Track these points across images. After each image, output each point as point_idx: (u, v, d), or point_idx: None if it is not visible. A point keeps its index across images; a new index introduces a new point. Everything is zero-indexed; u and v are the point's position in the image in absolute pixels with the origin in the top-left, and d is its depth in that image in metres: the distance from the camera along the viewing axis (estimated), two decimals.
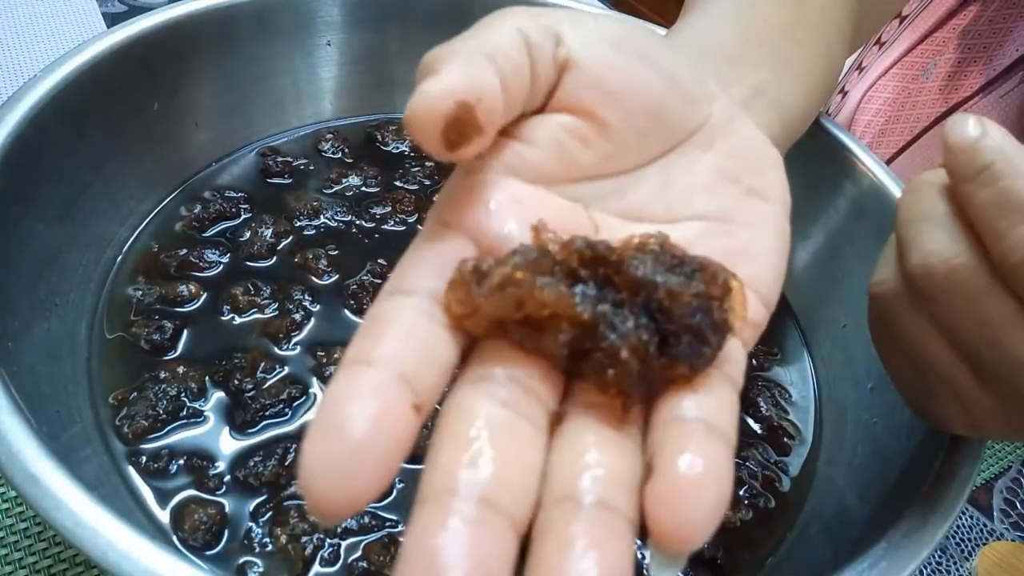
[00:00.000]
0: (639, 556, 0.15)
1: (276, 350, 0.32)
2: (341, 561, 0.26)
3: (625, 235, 0.19)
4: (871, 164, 0.35)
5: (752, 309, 0.21)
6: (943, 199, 0.21)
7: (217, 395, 0.30)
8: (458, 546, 0.13)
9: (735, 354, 0.19)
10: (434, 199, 0.20)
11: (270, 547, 0.26)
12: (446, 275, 0.17)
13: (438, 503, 0.14)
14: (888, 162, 0.51)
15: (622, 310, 0.16)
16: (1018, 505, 0.40)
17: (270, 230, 0.36)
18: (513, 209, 0.19)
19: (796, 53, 0.28)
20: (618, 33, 0.21)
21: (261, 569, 0.26)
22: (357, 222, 0.38)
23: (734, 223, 0.22)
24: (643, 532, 0.15)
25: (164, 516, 0.27)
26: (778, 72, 0.27)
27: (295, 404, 0.30)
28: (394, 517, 0.28)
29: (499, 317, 0.16)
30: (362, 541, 0.27)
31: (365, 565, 0.26)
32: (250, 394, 0.30)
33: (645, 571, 0.16)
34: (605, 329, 0.16)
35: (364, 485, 0.14)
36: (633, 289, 0.17)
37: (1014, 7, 0.48)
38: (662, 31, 0.28)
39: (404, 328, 0.16)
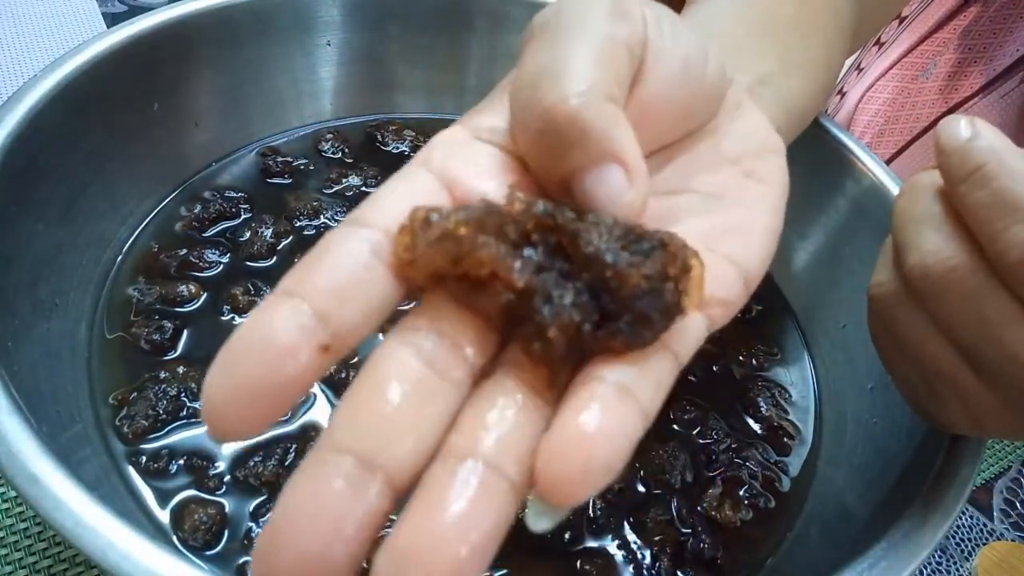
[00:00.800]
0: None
1: None
2: None
3: None
4: (871, 164, 0.35)
5: (728, 284, 0.20)
6: (938, 200, 0.21)
7: None
8: (324, 502, 0.14)
9: (689, 328, 0.18)
10: None
11: None
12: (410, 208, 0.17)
13: (319, 455, 0.14)
14: (888, 162, 0.51)
15: (566, 282, 0.16)
16: (1018, 505, 0.40)
17: (270, 230, 0.36)
18: (497, 171, 0.19)
19: (800, 48, 0.28)
20: (687, 49, 0.21)
21: None
22: None
23: (728, 201, 0.22)
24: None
25: (164, 516, 0.27)
26: (783, 65, 0.27)
27: (301, 398, 0.30)
28: (392, 517, 0.28)
29: (438, 269, 0.16)
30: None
31: (364, 565, 0.26)
32: None
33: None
34: (540, 301, 0.16)
35: (253, 416, 0.14)
36: (583, 263, 0.16)
37: (1015, 7, 0.48)
38: None
39: (340, 262, 0.16)
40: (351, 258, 0.16)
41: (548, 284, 0.16)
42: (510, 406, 0.16)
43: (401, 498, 0.15)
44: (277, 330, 0.15)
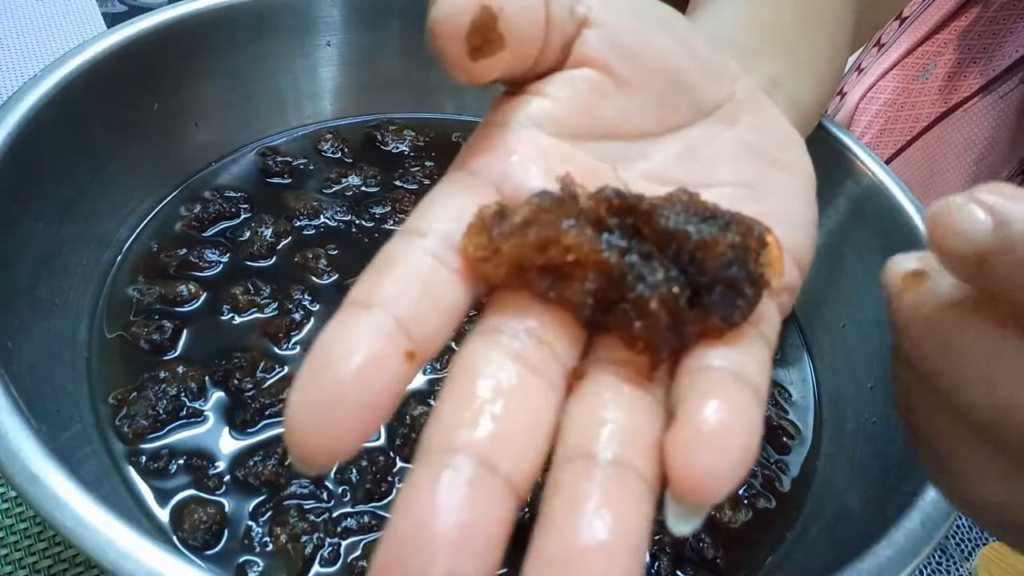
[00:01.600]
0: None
1: (276, 350, 0.32)
2: (341, 561, 0.26)
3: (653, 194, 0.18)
4: (871, 164, 0.35)
5: (790, 272, 0.20)
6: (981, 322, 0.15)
7: (217, 395, 0.30)
8: (450, 509, 0.13)
9: (769, 314, 0.18)
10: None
11: (270, 547, 0.26)
12: (463, 218, 0.16)
13: (434, 462, 0.13)
14: (888, 162, 0.51)
15: (651, 261, 0.16)
16: None
17: (270, 230, 0.36)
18: (539, 160, 0.18)
19: (808, 49, 0.28)
20: (640, 2, 0.21)
21: (261, 569, 0.26)
22: (357, 222, 0.38)
23: (763, 190, 0.21)
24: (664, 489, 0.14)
25: (164, 516, 0.27)
26: (792, 66, 0.27)
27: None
28: None
29: (520, 261, 0.15)
30: (362, 540, 0.27)
31: (365, 565, 0.26)
32: (250, 394, 0.30)
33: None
34: (633, 279, 0.15)
35: (345, 432, 0.13)
36: (664, 240, 0.16)
37: (1014, 8, 0.48)
38: None
39: (408, 269, 0.15)
40: (417, 266, 0.16)
41: (637, 263, 0.15)
42: (622, 399, 0.15)
43: (524, 502, 0.14)
44: (362, 339, 0.14)
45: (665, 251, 0.16)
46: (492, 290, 0.17)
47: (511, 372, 0.15)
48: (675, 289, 0.15)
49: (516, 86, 0.20)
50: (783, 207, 0.21)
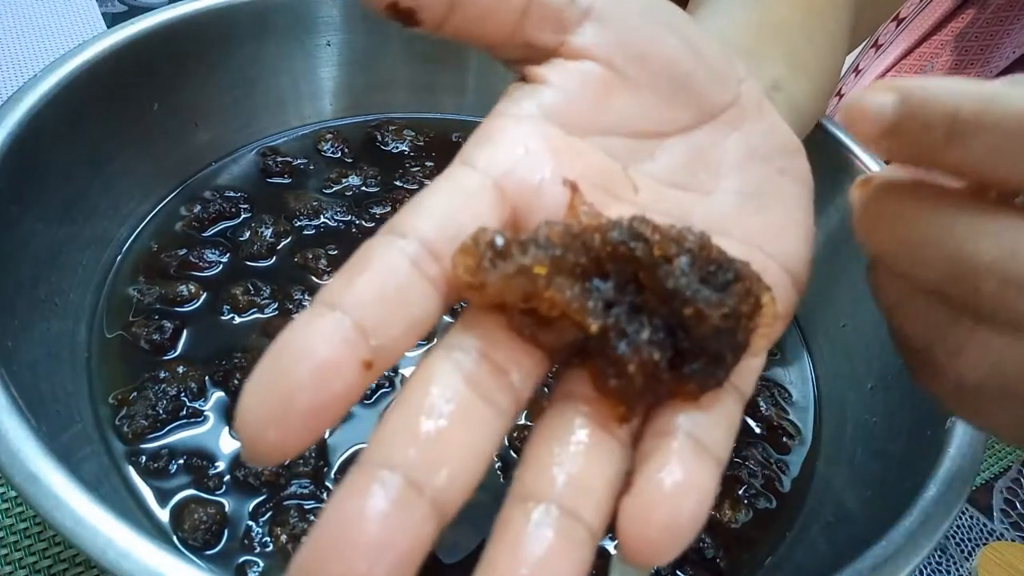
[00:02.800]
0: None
1: None
2: None
3: (662, 203, 0.18)
4: (870, 164, 0.35)
5: (785, 298, 0.20)
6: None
7: (217, 395, 0.30)
8: (371, 521, 0.13)
9: (751, 363, 0.18)
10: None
11: (270, 547, 0.26)
12: (450, 222, 0.16)
13: (366, 473, 0.14)
14: (887, 162, 0.51)
15: (640, 316, 0.15)
16: (1018, 505, 0.40)
17: (270, 230, 0.36)
18: (548, 157, 0.18)
19: (809, 51, 0.28)
20: (649, 2, 0.21)
21: (261, 569, 0.26)
22: (357, 222, 0.38)
23: (768, 198, 0.21)
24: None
25: (164, 516, 0.27)
26: (792, 69, 0.27)
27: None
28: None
29: (502, 302, 0.15)
30: None
31: None
32: None
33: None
34: (616, 337, 0.15)
35: (293, 435, 0.13)
36: (660, 296, 0.16)
37: (1011, 9, 0.48)
38: None
39: (381, 274, 0.15)
40: (391, 270, 0.15)
41: (622, 320, 0.15)
42: (582, 445, 0.15)
43: (444, 526, 0.14)
44: (320, 343, 0.14)
45: (658, 306, 0.16)
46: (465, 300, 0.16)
47: (462, 396, 0.15)
48: (655, 355, 0.15)
49: (512, 64, 0.20)
50: (787, 218, 0.21)
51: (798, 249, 0.21)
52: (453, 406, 0.15)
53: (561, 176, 0.18)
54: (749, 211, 0.21)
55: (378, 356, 0.14)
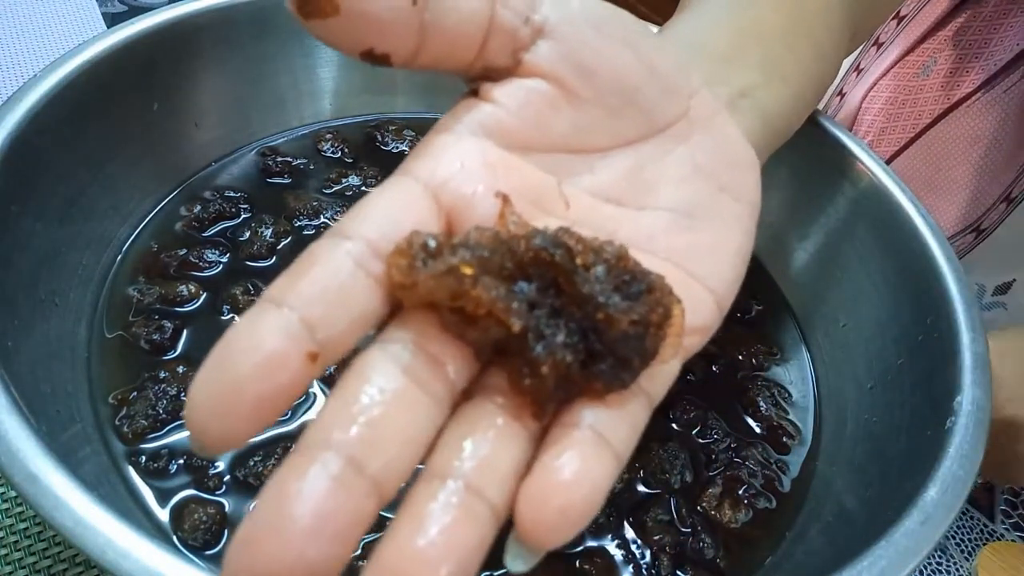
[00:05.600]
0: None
1: None
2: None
3: (593, 218, 0.19)
4: (870, 163, 0.35)
5: (704, 312, 0.21)
6: None
7: None
8: (311, 498, 0.13)
9: (665, 369, 0.19)
10: None
11: None
12: (392, 226, 0.17)
13: (306, 453, 0.14)
14: (890, 160, 0.51)
15: (558, 319, 0.17)
16: (1019, 505, 0.40)
17: (270, 230, 0.36)
18: (483, 172, 0.19)
19: (788, 58, 0.27)
20: (602, 15, 0.21)
21: None
22: None
23: (702, 218, 0.22)
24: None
25: (164, 516, 0.27)
26: (767, 76, 0.26)
27: (294, 404, 0.30)
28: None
29: (432, 300, 0.16)
30: (362, 541, 0.27)
31: (363, 564, 0.26)
32: None
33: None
34: (534, 339, 0.16)
35: (240, 425, 0.14)
36: (576, 300, 0.17)
37: (1013, 3, 0.48)
38: (655, 29, 0.28)
39: (326, 272, 0.16)
40: (336, 269, 0.16)
41: (541, 323, 0.16)
42: (492, 431, 0.16)
43: (385, 505, 0.15)
44: (265, 337, 0.14)
45: (574, 310, 0.17)
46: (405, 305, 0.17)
47: (398, 383, 0.16)
48: (568, 358, 0.16)
49: (471, 82, 0.20)
50: (717, 239, 0.22)
51: (723, 270, 0.21)
52: (390, 393, 0.15)
53: (494, 189, 0.18)
54: (679, 229, 0.21)
55: (323, 349, 0.15)
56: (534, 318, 0.16)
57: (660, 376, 0.19)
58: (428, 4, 0.18)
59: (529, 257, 0.17)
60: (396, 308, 0.17)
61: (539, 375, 0.16)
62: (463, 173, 0.19)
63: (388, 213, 0.17)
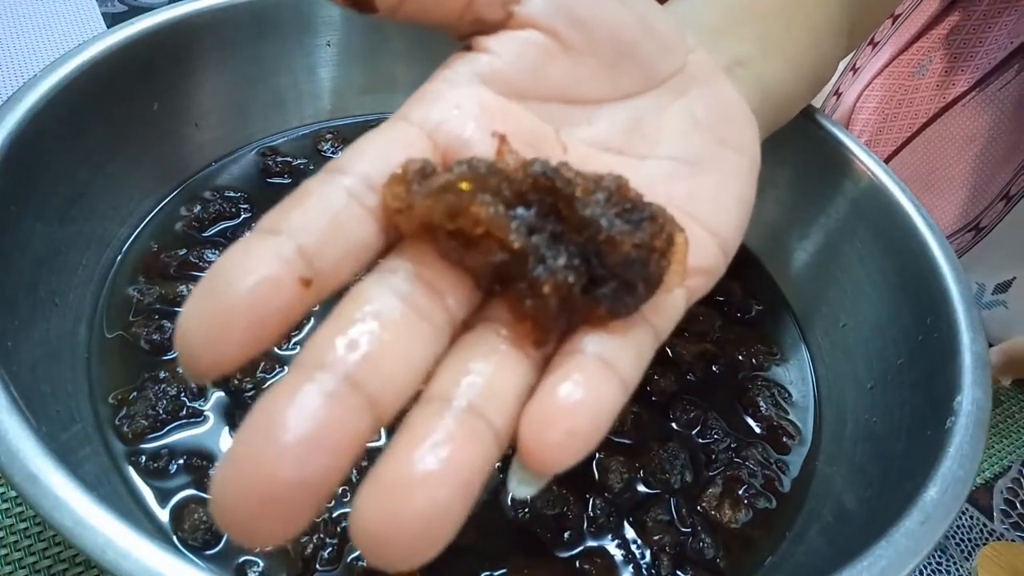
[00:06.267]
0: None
1: (276, 350, 0.32)
2: (342, 561, 0.26)
3: (592, 165, 0.19)
4: (870, 163, 0.35)
5: (707, 254, 0.21)
6: None
7: (217, 395, 0.30)
8: (305, 412, 0.13)
9: (671, 302, 0.18)
10: None
11: (270, 547, 0.26)
12: (388, 162, 0.17)
13: (301, 371, 0.14)
14: (888, 159, 0.51)
15: (559, 244, 0.16)
16: (1018, 505, 0.40)
17: None
18: (479, 115, 0.19)
19: (784, 35, 0.28)
20: None
21: (261, 569, 0.26)
22: None
23: (703, 167, 0.22)
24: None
25: (164, 516, 0.27)
26: (764, 50, 0.27)
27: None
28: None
29: (430, 221, 0.16)
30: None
31: (365, 565, 0.26)
32: (250, 394, 0.30)
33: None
34: (534, 261, 0.16)
35: (232, 347, 0.14)
36: (577, 226, 0.16)
37: (1005, 2, 0.48)
38: None
39: (321, 203, 0.16)
40: (331, 201, 0.16)
41: (541, 245, 0.16)
42: (494, 356, 0.16)
43: (382, 426, 0.14)
44: (258, 261, 0.14)
45: (575, 236, 0.16)
46: (403, 238, 0.17)
47: (395, 309, 0.15)
48: (570, 278, 0.16)
49: (463, 39, 0.20)
50: (720, 185, 0.22)
51: (726, 215, 0.21)
52: (387, 318, 0.15)
53: (490, 131, 0.18)
54: (680, 177, 0.21)
55: (317, 275, 0.15)
56: (534, 242, 0.16)
57: (666, 309, 0.18)
58: None
59: (528, 184, 0.16)
60: (394, 243, 0.17)
61: (541, 296, 0.16)
62: (459, 116, 0.19)
63: (384, 150, 0.17)
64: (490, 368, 0.15)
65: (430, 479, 0.13)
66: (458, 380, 0.15)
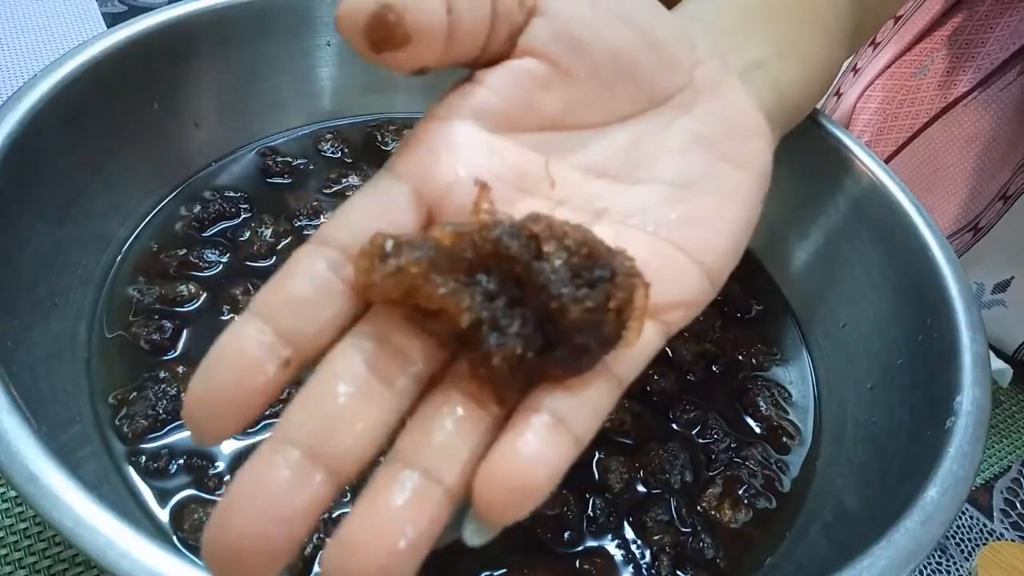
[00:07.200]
0: None
1: None
2: None
3: (582, 194, 0.20)
4: (870, 163, 0.35)
5: (689, 286, 0.21)
6: None
7: None
8: (271, 484, 0.15)
9: (638, 348, 0.19)
10: None
11: None
12: (370, 230, 0.18)
13: (270, 447, 0.16)
14: (888, 160, 0.51)
15: (515, 310, 0.17)
16: (1018, 505, 0.40)
17: (270, 230, 0.36)
18: (464, 157, 0.19)
19: (798, 36, 0.28)
20: None
21: None
22: None
23: (699, 189, 0.22)
24: None
25: (164, 516, 0.27)
26: (779, 52, 0.26)
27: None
28: None
29: (391, 298, 0.17)
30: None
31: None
32: None
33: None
34: (487, 330, 0.17)
35: (228, 422, 0.16)
36: (532, 291, 0.17)
37: (1008, 3, 0.48)
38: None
39: (299, 281, 0.17)
40: (309, 278, 0.18)
41: (496, 313, 0.17)
42: (453, 416, 0.17)
43: (344, 488, 0.16)
44: (244, 349, 0.16)
45: (533, 301, 0.17)
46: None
47: (360, 377, 0.17)
48: (519, 349, 0.17)
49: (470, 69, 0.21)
50: (713, 210, 0.22)
51: (716, 240, 0.21)
52: (352, 387, 0.17)
53: (474, 176, 0.19)
54: (672, 202, 0.21)
55: (297, 354, 0.17)
56: (490, 309, 0.17)
57: (629, 358, 0.19)
58: (454, 5, 0.18)
59: (488, 250, 0.17)
60: (368, 305, 0.18)
61: (490, 366, 0.17)
62: (445, 162, 0.19)
63: (362, 219, 0.18)
64: (448, 430, 0.17)
65: (384, 537, 0.15)
66: (417, 442, 0.17)
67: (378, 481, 0.16)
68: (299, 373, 0.17)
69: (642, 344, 0.19)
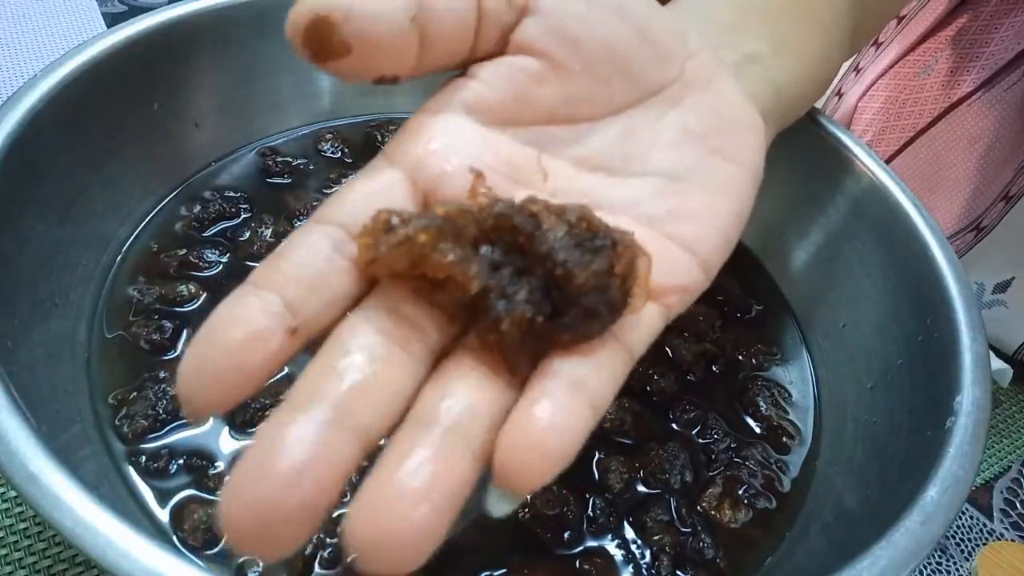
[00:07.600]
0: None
1: None
2: (341, 562, 0.26)
3: (574, 187, 0.20)
4: (870, 163, 0.35)
5: (684, 273, 0.21)
6: None
7: None
8: (300, 438, 0.14)
9: (644, 320, 0.19)
10: None
11: (275, 560, 0.26)
12: (367, 210, 0.17)
13: (294, 404, 0.15)
14: (890, 160, 0.51)
15: (521, 279, 0.17)
16: (1018, 505, 0.40)
17: (270, 230, 0.36)
18: (460, 149, 0.19)
19: (795, 33, 0.27)
20: None
21: (261, 569, 0.26)
22: None
23: (689, 182, 0.22)
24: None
25: (164, 516, 0.27)
26: (775, 47, 0.26)
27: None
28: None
29: (396, 270, 0.17)
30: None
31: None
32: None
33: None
34: (495, 298, 0.17)
35: (226, 395, 0.15)
36: (537, 260, 0.17)
37: (1013, 4, 0.48)
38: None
39: (303, 256, 0.17)
40: (313, 253, 0.17)
41: (503, 281, 0.17)
42: (472, 381, 0.17)
43: (369, 452, 0.15)
44: (250, 316, 0.16)
45: (536, 269, 0.17)
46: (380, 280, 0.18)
47: (377, 342, 0.16)
48: (528, 313, 0.17)
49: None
50: (704, 203, 0.22)
51: (707, 232, 0.21)
52: (370, 351, 0.16)
53: (469, 166, 0.19)
54: (663, 195, 0.21)
55: (302, 324, 0.16)
56: (496, 278, 0.17)
57: (638, 328, 0.19)
58: (424, 16, 0.18)
59: (491, 224, 0.17)
60: (374, 283, 0.18)
61: (500, 331, 0.17)
62: (440, 152, 0.19)
63: (361, 199, 0.18)
64: (468, 392, 0.16)
65: (409, 500, 0.14)
66: (438, 404, 0.16)
67: (400, 442, 0.15)
68: (303, 348, 0.16)
69: (647, 319, 0.19)
